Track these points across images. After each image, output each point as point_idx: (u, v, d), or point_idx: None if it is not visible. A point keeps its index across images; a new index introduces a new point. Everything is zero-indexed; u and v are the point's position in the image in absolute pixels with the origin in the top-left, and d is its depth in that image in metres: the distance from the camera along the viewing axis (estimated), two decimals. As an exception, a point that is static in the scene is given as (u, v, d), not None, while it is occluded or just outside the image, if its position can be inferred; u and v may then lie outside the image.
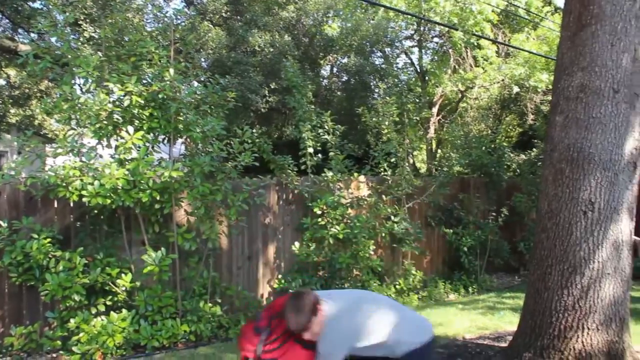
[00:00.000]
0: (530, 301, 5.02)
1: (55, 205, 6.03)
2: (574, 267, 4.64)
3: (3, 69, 12.66)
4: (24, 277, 5.63)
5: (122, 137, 5.76)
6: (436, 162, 10.69)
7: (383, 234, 7.72)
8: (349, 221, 7.28)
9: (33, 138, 6.02)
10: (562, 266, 4.70)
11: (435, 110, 12.60)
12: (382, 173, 7.91)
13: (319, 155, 7.37)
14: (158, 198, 5.77)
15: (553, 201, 4.83)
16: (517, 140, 10.77)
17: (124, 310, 5.78)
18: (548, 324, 4.74)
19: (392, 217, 7.77)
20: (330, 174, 7.33)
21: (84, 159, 5.65)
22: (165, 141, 6.33)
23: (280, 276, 7.25)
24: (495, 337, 6.05)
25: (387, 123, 7.91)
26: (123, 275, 5.80)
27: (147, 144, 5.88)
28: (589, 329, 4.58)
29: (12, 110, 13.62)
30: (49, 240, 5.57)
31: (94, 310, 5.75)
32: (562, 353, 4.62)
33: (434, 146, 13.41)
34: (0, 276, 5.71)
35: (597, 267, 4.59)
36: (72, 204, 5.99)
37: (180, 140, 6.52)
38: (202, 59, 11.91)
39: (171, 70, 5.93)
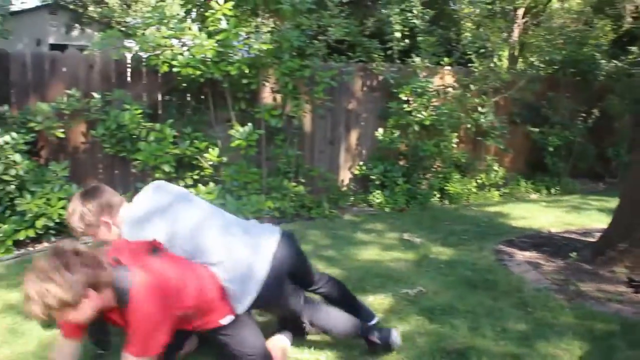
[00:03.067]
0: (629, 191, 4.78)
1: (144, 79, 6.07)
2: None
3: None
4: (116, 148, 5.77)
5: (211, 8, 5.66)
6: (518, 68, 10.10)
7: (469, 125, 7.48)
8: (434, 110, 7.07)
9: (113, 32, 6.00)
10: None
11: (520, 12, 11.88)
12: (470, 64, 7.59)
13: (406, 40, 7.10)
14: (246, 71, 5.72)
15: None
16: (610, 46, 10.01)
17: (211, 184, 5.87)
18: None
19: (480, 109, 7.50)
20: (417, 59, 7.07)
21: (173, 29, 5.61)
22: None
23: (361, 163, 7.19)
24: (582, 232, 5.86)
25: (478, 11, 7.51)
26: (210, 149, 5.87)
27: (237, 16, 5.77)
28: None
29: (91, 7, 13.75)
30: (140, 111, 5.66)
31: (181, 183, 5.86)
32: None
33: (516, 51, 12.73)
34: (94, 147, 5.87)
35: None
36: (160, 79, 6.02)
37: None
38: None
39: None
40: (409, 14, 7.14)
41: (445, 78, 7.62)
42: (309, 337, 3.24)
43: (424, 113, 6.90)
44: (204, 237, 2.72)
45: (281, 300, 2.88)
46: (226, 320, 2.64)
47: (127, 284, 2.26)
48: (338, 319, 3.07)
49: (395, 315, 3.60)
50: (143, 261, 2.40)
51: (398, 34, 7.02)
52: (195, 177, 5.97)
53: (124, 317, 2.31)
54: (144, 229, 2.67)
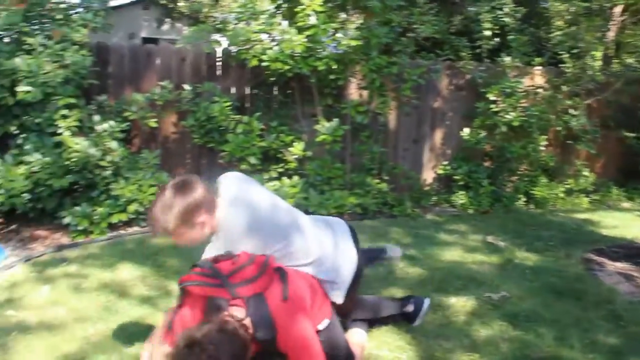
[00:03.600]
0: None
1: (233, 72, 6.21)
2: None
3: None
4: (205, 138, 5.95)
5: (300, 4, 5.71)
6: (613, 68, 9.63)
7: (559, 128, 7.21)
8: (523, 111, 6.86)
9: (205, 26, 6.19)
10: None
11: (618, 10, 11.32)
12: (562, 65, 7.31)
13: (496, 39, 6.93)
14: (334, 67, 5.75)
15: None
16: None
17: (295, 177, 5.93)
18: None
19: (571, 111, 7.21)
20: (507, 58, 6.88)
21: (263, 24, 5.71)
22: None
23: (445, 162, 7.07)
24: (679, 245, 5.52)
25: (574, 9, 7.22)
26: (295, 143, 5.93)
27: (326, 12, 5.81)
28: None
29: (181, 3, 14.21)
30: (229, 104, 5.80)
31: (266, 176, 5.96)
32: None
33: (611, 51, 12.12)
34: (183, 137, 6.06)
35: None
36: (248, 73, 6.14)
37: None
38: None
39: None
40: (499, 12, 6.96)
41: (536, 78, 7.38)
42: (388, 335, 3.22)
43: (512, 114, 6.70)
44: (299, 237, 2.65)
45: (356, 291, 2.88)
46: (323, 324, 2.56)
47: (268, 315, 2.24)
48: (378, 304, 3.11)
49: (478, 319, 3.50)
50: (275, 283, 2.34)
51: (488, 32, 6.86)
52: (280, 170, 6.05)
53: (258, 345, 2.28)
54: (249, 236, 2.51)
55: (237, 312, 2.24)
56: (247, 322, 2.23)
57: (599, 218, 6.58)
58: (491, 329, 3.36)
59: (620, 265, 4.74)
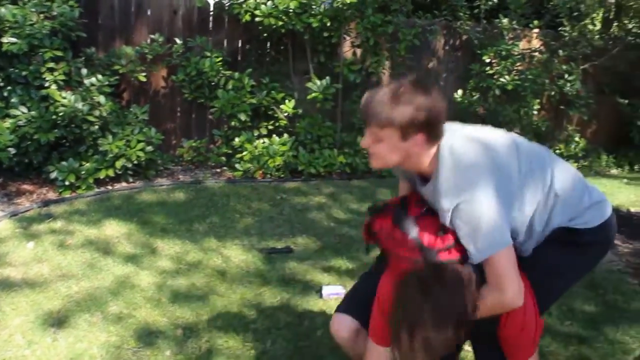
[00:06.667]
0: None
1: (226, 27, 6.09)
2: None
3: None
4: (195, 94, 5.89)
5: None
6: (612, 33, 9.48)
7: (552, 93, 7.16)
8: (518, 74, 6.79)
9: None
10: None
11: (620, -29, 11.06)
12: (561, 28, 7.20)
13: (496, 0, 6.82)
14: (328, 24, 5.65)
15: None
16: None
17: (285, 135, 5.90)
18: None
19: (566, 76, 7.15)
20: (505, 20, 6.77)
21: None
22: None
23: (437, 124, 7.03)
24: (664, 213, 5.57)
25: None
26: (286, 101, 5.88)
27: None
28: None
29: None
30: (220, 59, 5.70)
31: (256, 133, 5.92)
32: None
33: (612, 14, 11.94)
34: (173, 92, 5.99)
35: None
36: (241, 28, 6.03)
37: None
38: None
39: None
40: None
41: (533, 42, 7.28)
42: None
43: (507, 77, 6.64)
44: None
45: None
46: None
47: None
48: None
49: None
50: None
51: (487, -7, 6.74)
52: (270, 127, 6.02)
53: None
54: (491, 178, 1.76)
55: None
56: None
57: (587, 185, 6.59)
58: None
59: (603, 234, 4.78)
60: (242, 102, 5.70)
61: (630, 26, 7.98)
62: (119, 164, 5.04)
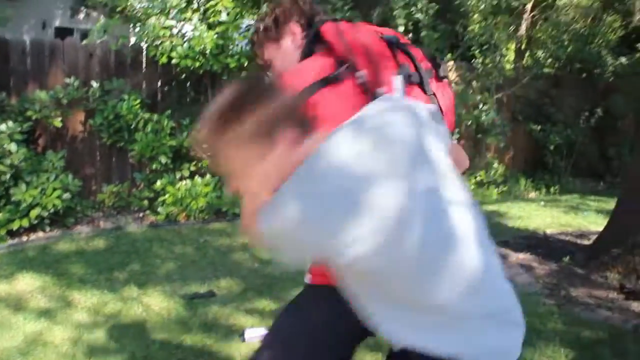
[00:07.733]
0: (625, 195, 4.75)
1: (144, 69, 6.06)
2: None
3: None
4: (114, 137, 5.79)
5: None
6: (525, 62, 10.00)
7: (469, 122, 7.44)
8: (434, 106, 7.03)
9: (113, 21, 5.99)
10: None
11: (529, 6, 11.73)
12: (474, 60, 7.53)
13: (410, 34, 7.05)
14: (246, 64, 5.71)
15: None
16: (618, 43, 9.88)
17: (208, 176, 5.87)
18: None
19: (481, 106, 7.46)
20: (419, 54, 7.02)
21: (173, 20, 5.59)
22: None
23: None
24: (578, 234, 5.81)
25: (484, 6, 7.44)
26: (208, 141, 5.86)
27: (237, 8, 5.76)
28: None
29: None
30: (138, 102, 5.65)
31: (178, 175, 5.87)
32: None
33: (523, 45, 12.58)
34: (92, 136, 5.87)
35: None
36: (159, 69, 6.01)
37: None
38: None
39: None
40: (413, 8, 7.09)
41: (448, 74, 7.57)
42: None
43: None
44: None
45: None
46: None
47: None
48: None
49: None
50: None
51: (402, 28, 6.97)
52: (193, 168, 5.97)
53: None
54: None
55: None
56: None
57: (506, 209, 6.84)
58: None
59: (522, 256, 4.96)
60: (162, 145, 5.64)
61: (539, 54, 8.43)
62: (33, 213, 4.88)
